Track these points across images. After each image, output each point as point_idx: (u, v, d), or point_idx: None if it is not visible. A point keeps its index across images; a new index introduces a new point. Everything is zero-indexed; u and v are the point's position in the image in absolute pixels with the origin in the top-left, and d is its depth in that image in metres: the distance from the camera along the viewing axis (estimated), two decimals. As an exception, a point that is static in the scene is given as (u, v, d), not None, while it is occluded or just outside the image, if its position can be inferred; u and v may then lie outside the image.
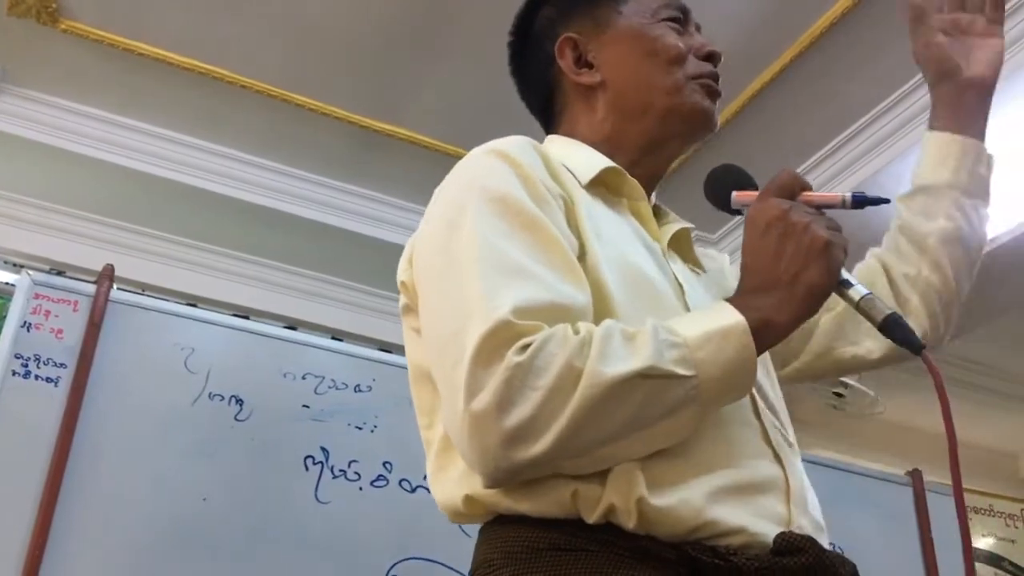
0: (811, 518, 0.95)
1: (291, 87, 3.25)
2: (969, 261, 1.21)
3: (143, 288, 3.66)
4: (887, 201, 0.96)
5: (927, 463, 3.84)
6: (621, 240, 1.01)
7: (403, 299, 1.05)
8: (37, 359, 1.88)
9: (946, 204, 1.19)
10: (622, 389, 0.80)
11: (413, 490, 2.07)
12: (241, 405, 1.99)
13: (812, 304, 0.88)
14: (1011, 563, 4.04)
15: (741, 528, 0.86)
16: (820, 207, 0.92)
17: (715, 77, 1.14)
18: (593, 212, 1.00)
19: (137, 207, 3.62)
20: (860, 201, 0.92)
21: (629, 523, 0.84)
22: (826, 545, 0.92)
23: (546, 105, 1.22)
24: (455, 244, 0.90)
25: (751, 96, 3.07)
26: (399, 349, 3.80)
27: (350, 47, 3.04)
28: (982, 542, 3.90)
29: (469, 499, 0.91)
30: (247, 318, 3.86)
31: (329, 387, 2.07)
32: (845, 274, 0.90)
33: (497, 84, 3.07)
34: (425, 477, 2.15)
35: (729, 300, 0.89)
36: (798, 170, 3.24)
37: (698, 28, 1.20)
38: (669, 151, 1.16)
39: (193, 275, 3.79)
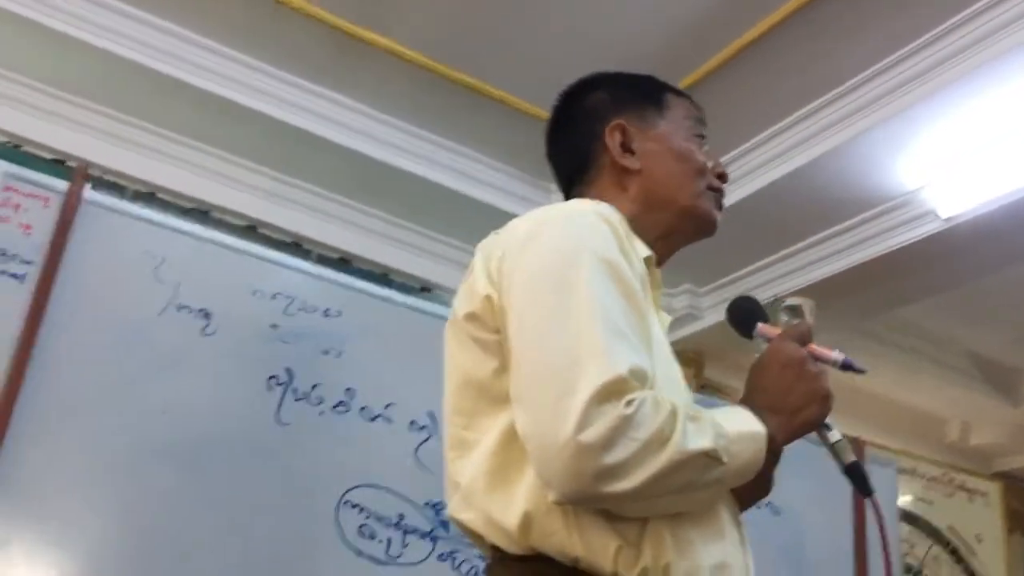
0: None
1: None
2: None
3: (101, 171, 3.55)
4: (864, 372, 1.18)
5: (865, 424, 3.96)
6: (655, 322, 1.17)
7: (472, 306, 1.15)
8: (3, 253, 1.82)
9: None
10: (690, 460, 1.00)
11: (373, 419, 2.09)
12: (209, 319, 1.96)
13: (802, 434, 1.11)
14: (925, 521, 4.23)
15: None
16: (818, 358, 1.16)
17: (723, 193, 1.37)
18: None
19: (102, 88, 3.48)
20: (846, 366, 1.18)
21: None
22: None
23: (577, 171, 1.37)
24: (571, 292, 1.05)
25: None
26: (360, 260, 3.74)
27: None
28: (901, 501, 4.05)
29: (527, 517, 1.04)
30: (207, 213, 3.79)
31: (299, 309, 2.05)
32: (828, 419, 1.15)
33: (489, 9, 3.02)
34: (387, 406, 2.18)
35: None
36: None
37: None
38: (674, 243, 1.34)
39: (151, 163, 3.67)
